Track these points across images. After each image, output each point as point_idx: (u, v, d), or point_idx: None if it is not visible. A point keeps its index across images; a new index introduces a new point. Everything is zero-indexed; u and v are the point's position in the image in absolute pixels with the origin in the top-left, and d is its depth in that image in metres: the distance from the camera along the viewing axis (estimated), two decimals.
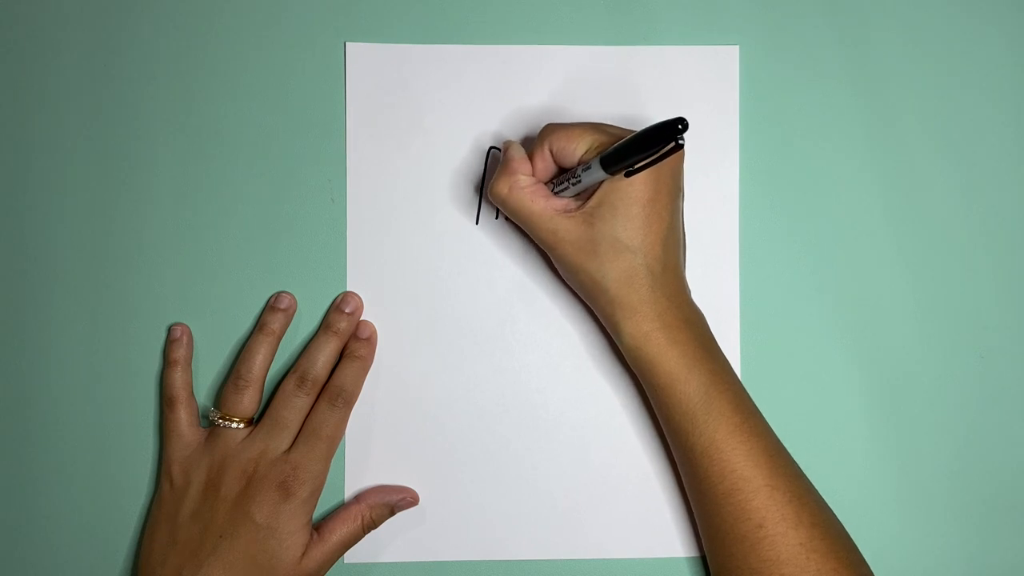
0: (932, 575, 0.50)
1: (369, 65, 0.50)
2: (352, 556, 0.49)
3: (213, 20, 0.51)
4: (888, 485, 0.50)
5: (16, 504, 0.49)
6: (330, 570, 0.48)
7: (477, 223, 0.50)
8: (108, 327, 0.50)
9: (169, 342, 0.49)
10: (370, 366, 0.50)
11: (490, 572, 0.50)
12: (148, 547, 0.47)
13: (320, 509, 0.48)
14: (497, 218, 0.50)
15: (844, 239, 0.51)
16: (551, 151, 0.45)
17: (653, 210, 0.44)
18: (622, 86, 0.51)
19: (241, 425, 0.47)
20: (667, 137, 0.40)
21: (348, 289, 0.50)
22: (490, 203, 0.50)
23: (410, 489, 0.49)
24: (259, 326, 0.49)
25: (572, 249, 0.45)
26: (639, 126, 0.50)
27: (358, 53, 0.50)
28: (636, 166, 0.42)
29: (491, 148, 0.50)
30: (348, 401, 0.48)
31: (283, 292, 0.50)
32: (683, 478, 0.47)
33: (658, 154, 0.41)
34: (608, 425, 0.50)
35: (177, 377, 0.49)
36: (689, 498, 0.47)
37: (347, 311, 0.49)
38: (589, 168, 0.43)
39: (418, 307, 0.50)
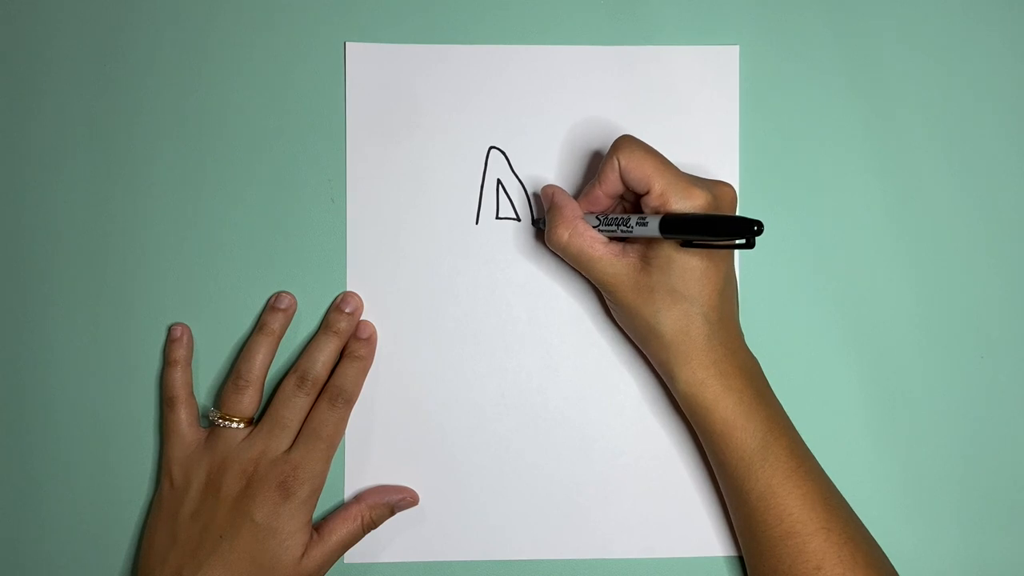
0: (933, 575, 0.50)
1: (369, 65, 0.50)
2: (352, 556, 0.49)
3: (213, 20, 0.51)
4: (889, 485, 0.50)
5: (16, 504, 0.49)
6: (330, 570, 0.48)
7: (477, 223, 0.50)
8: (108, 327, 0.50)
9: (169, 342, 0.49)
10: (370, 366, 0.50)
11: (490, 572, 0.50)
12: (148, 547, 0.47)
13: (320, 509, 0.48)
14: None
15: (844, 239, 0.51)
16: (620, 163, 0.44)
17: (711, 263, 0.44)
18: (622, 86, 0.50)
19: (241, 425, 0.47)
20: (739, 232, 0.40)
21: (348, 289, 0.50)
22: (491, 202, 0.50)
23: (410, 489, 0.49)
24: (259, 326, 0.49)
25: (630, 294, 0.45)
26: (639, 126, 0.50)
27: (358, 53, 0.50)
28: (695, 242, 0.42)
29: (491, 148, 0.50)
30: (348, 401, 0.48)
31: (283, 292, 0.50)
32: (735, 521, 0.47)
33: (723, 244, 0.41)
34: (608, 425, 0.50)
35: (177, 377, 0.49)
36: (740, 540, 0.47)
37: (347, 311, 0.49)
38: (645, 223, 0.43)
39: (418, 307, 0.50)
